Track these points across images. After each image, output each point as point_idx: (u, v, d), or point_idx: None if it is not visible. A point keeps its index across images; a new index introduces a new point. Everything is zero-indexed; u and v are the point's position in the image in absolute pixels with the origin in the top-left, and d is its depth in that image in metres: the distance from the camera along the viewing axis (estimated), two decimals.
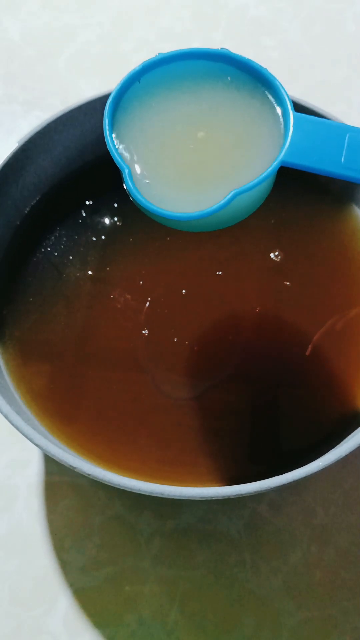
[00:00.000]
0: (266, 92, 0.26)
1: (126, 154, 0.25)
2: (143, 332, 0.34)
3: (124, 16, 0.55)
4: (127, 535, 0.34)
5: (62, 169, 0.39)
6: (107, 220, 0.38)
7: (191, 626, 0.32)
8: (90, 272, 0.36)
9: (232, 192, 0.24)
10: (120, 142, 0.26)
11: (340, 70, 0.52)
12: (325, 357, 0.34)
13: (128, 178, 0.25)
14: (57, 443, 0.31)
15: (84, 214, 0.38)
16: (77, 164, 0.39)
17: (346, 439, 0.30)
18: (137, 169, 0.25)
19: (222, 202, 0.24)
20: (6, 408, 0.28)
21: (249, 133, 0.25)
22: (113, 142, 0.25)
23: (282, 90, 0.25)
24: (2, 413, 0.28)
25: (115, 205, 0.38)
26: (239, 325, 0.35)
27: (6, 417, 0.28)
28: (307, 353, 0.34)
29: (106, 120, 0.25)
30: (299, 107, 0.36)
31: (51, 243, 0.37)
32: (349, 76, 0.52)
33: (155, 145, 0.25)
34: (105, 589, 0.33)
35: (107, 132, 0.25)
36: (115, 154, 0.25)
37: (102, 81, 0.51)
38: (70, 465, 0.27)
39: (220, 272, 0.36)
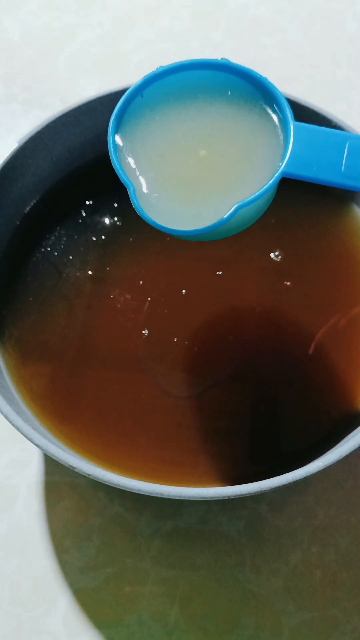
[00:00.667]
0: (265, 103, 0.26)
1: (131, 168, 0.26)
2: (143, 332, 0.34)
3: (124, 16, 0.55)
4: (127, 535, 0.34)
5: (62, 169, 0.39)
6: (107, 220, 0.38)
7: (191, 627, 0.32)
8: (90, 272, 0.36)
9: (235, 206, 0.24)
10: (124, 156, 0.26)
11: (340, 70, 0.52)
12: (325, 357, 0.34)
13: (133, 195, 0.25)
14: (57, 443, 0.31)
15: (83, 214, 0.38)
16: (77, 163, 0.39)
17: (346, 439, 0.30)
18: (142, 182, 0.25)
19: (225, 216, 0.24)
20: (6, 408, 0.28)
21: (250, 145, 0.26)
22: (118, 159, 0.25)
23: (283, 100, 0.25)
24: (2, 413, 0.28)
25: (115, 205, 0.38)
26: (239, 325, 0.35)
27: (6, 417, 0.28)
28: (308, 353, 0.34)
29: (110, 139, 0.25)
30: (299, 107, 0.36)
31: (51, 243, 0.37)
32: (349, 76, 0.51)
33: (158, 159, 0.26)
34: (105, 590, 0.33)
35: (112, 150, 0.25)
36: (120, 171, 0.25)
37: (102, 81, 0.51)
38: (70, 466, 0.27)
39: (220, 272, 0.36)
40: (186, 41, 0.53)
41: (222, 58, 0.26)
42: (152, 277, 0.36)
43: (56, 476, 0.36)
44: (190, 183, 0.25)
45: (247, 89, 0.26)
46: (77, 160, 0.39)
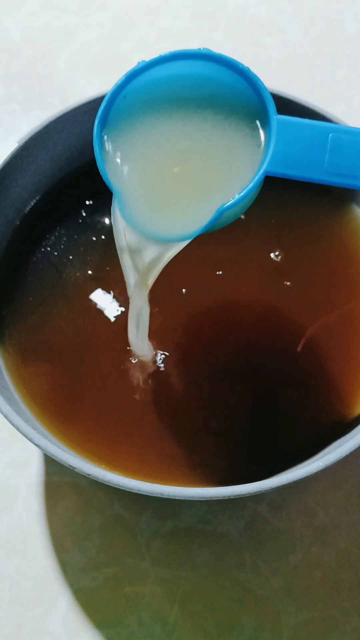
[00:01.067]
0: (248, 100, 0.25)
1: (118, 171, 0.26)
2: None
3: (124, 16, 0.55)
4: (127, 535, 0.34)
5: (62, 169, 0.39)
6: (107, 220, 0.38)
7: (191, 627, 0.32)
8: (90, 272, 0.36)
9: (218, 210, 0.24)
10: (112, 159, 0.26)
11: (340, 70, 0.52)
12: (325, 357, 0.34)
13: (117, 201, 0.25)
14: (57, 443, 0.31)
15: (83, 214, 0.38)
16: (77, 163, 0.39)
17: (346, 439, 0.30)
18: (128, 187, 0.25)
19: (210, 220, 0.24)
20: (6, 408, 0.28)
21: (233, 146, 0.25)
22: (104, 165, 0.25)
23: (265, 91, 0.25)
24: (2, 413, 0.28)
25: None
26: (239, 325, 0.35)
27: (6, 417, 0.28)
28: (308, 353, 0.34)
29: (96, 144, 0.25)
30: (298, 107, 0.36)
31: (51, 243, 0.37)
32: (349, 76, 0.52)
33: (142, 163, 0.26)
34: (105, 590, 0.33)
35: (98, 155, 0.25)
36: (107, 178, 0.25)
37: (102, 81, 0.51)
38: (70, 465, 0.27)
39: (220, 272, 0.36)
40: (186, 41, 0.53)
41: (203, 48, 0.25)
42: None
43: (56, 476, 0.36)
44: (174, 186, 0.26)
45: (230, 87, 0.25)
46: (77, 160, 0.39)
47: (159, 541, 0.34)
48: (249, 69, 0.25)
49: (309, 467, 0.27)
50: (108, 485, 0.27)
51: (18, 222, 0.37)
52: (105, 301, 0.35)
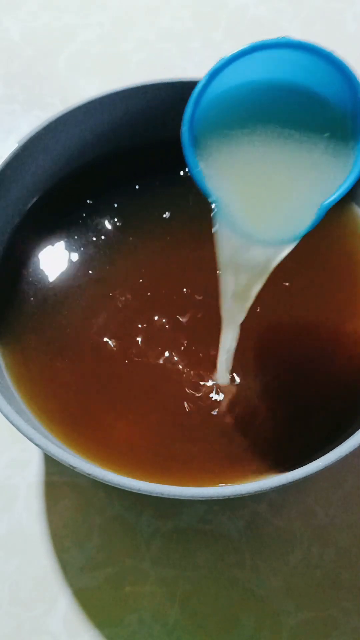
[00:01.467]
0: (338, 100, 0.24)
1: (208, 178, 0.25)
2: (144, 332, 0.34)
3: (124, 16, 0.55)
4: (127, 535, 0.34)
5: (62, 169, 0.39)
6: (107, 220, 0.38)
7: (191, 626, 0.32)
8: (90, 272, 0.36)
9: (321, 208, 0.24)
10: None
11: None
12: (325, 357, 0.34)
13: (217, 210, 0.25)
14: (57, 443, 0.31)
15: (84, 214, 0.38)
16: (77, 163, 0.39)
17: (346, 439, 0.30)
18: (223, 193, 0.25)
19: (315, 218, 0.24)
20: (6, 408, 0.28)
21: (323, 150, 0.25)
22: (201, 173, 0.24)
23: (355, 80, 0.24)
24: (2, 413, 0.28)
25: (115, 205, 0.38)
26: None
27: (6, 417, 0.28)
28: (307, 353, 0.34)
29: (189, 152, 0.24)
30: None
31: (51, 243, 0.37)
32: None
33: (232, 170, 0.25)
34: (106, 589, 0.33)
35: (193, 165, 0.24)
36: (205, 187, 0.24)
37: (102, 81, 0.51)
38: (71, 465, 0.27)
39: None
40: (186, 41, 0.53)
41: (282, 37, 0.23)
42: (153, 276, 0.36)
43: (56, 476, 0.36)
44: (271, 190, 0.25)
45: (319, 81, 0.24)
46: (77, 160, 0.39)
47: (159, 541, 0.34)
48: (341, 61, 0.24)
49: (309, 467, 0.27)
50: (108, 485, 0.27)
51: (18, 222, 0.37)
52: (105, 301, 0.35)
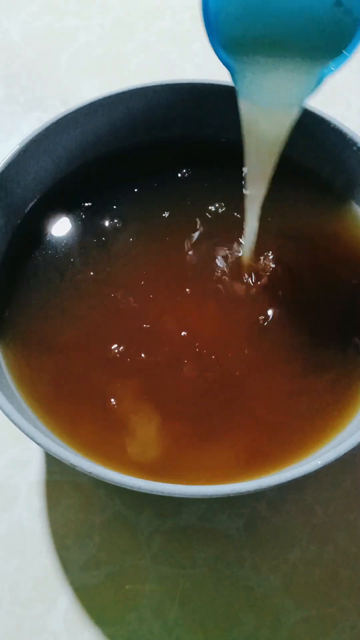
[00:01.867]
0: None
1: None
2: (145, 332, 0.34)
3: (124, 17, 0.55)
4: (128, 533, 0.34)
5: (62, 170, 0.39)
6: (107, 221, 0.38)
7: (191, 624, 0.33)
8: (91, 273, 0.36)
9: (320, 75, 0.29)
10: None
11: (339, 71, 0.52)
12: (325, 357, 0.34)
13: (235, 77, 0.29)
14: (58, 442, 0.31)
15: (84, 215, 0.38)
16: (77, 164, 0.39)
17: (345, 438, 0.30)
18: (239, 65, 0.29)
19: (317, 83, 0.30)
20: (8, 407, 0.28)
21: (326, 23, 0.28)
22: (219, 45, 0.28)
23: None
24: (4, 412, 0.28)
25: (115, 206, 0.39)
26: (239, 325, 0.35)
27: (8, 416, 0.28)
28: (307, 353, 0.34)
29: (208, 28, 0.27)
30: None
31: (52, 244, 0.37)
32: (348, 77, 0.52)
33: (248, 50, 0.29)
34: (106, 588, 0.33)
35: (214, 39, 0.28)
36: (223, 55, 0.28)
37: (103, 82, 0.51)
38: (72, 464, 0.27)
39: (218, 272, 0.37)
40: (186, 43, 0.53)
41: None
42: (154, 277, 0.36)
43: (57, 475, 0.36)
44: (279, 63, 0.29)
45: None
46: (78, 161, 0.39)
47: (159, 539, 0.34)
48: None
49: (308, 466, 0.27)
50: (109, 484, 0.27)
51: (18, 223, 0.38)
52: (106, 302, 0.36)
